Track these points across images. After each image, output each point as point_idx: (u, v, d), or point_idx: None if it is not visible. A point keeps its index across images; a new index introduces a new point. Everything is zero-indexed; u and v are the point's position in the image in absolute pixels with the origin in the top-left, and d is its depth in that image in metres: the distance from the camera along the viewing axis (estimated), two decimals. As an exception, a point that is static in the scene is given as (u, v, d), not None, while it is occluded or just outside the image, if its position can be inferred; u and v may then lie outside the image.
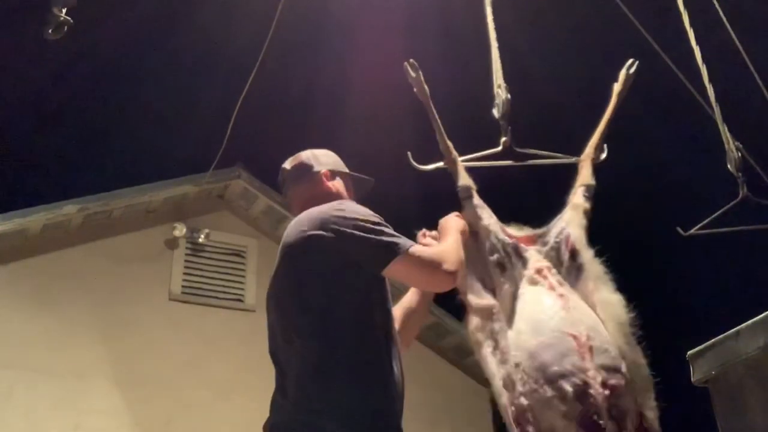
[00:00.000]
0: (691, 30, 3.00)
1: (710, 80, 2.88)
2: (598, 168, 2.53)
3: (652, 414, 2.14)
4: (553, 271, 2.35)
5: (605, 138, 2.62)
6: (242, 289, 6.72)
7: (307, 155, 2.42)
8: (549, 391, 2.07)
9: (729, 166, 2.74)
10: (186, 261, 6.63)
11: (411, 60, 2.39)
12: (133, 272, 6.35)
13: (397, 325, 2.17)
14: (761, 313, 3.25)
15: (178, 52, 8.78)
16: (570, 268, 2.36)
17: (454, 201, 2.45)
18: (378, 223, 2.05)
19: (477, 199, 2.38)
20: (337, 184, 2.36)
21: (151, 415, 5.86)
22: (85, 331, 5.94)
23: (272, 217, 7.09)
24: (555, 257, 2.39)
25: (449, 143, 2.43)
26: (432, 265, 2.02)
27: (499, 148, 2.59)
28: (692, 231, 2.76)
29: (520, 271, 2.33)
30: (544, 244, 2.43)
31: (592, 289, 2.31)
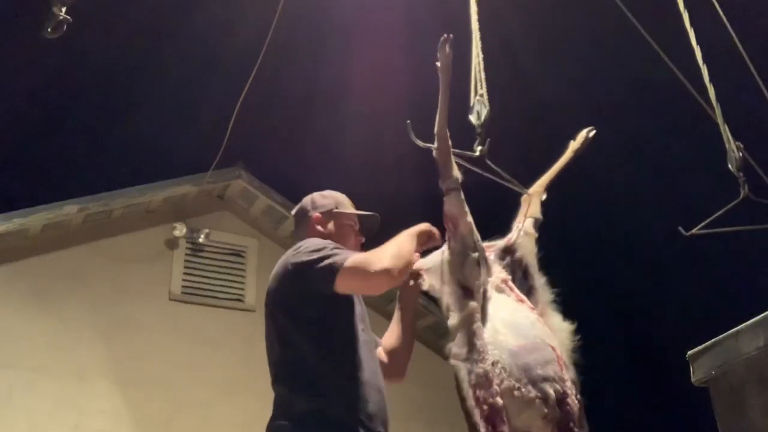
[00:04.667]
0: (692, 30, 2.99)
1: (710, 80, 2.88)
2: (597, 167, 2.54)
3: None
4: (514, 285, 2.44)
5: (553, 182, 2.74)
6: (242, 289, 6.72)
7: (306, 201, 2.60)
8: (533, 392, 2.09)
9: (730, 165, 2.74)
10: (186, 261, 6.63)
11: (450, 35, 2.34)
12: (133, 272, 6.35)
13: (384, 358, 2.45)
14: (761, 313, 3.26)
15: (178, 53, 8.79)
16: (521, 288, 2.45)
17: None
18: (321, 249, 2.22)
19: (462, 194, 2.37)
20: (330, 226, 2.51)
21: (151, 415, 5.86)
22: (85, 331, 5.94)
23: (272, 217, 7.09)
24: (510, 273, 2.49)
25: (447, 131, 2.38)
26: (363, 272, 2.14)
27: (476, 154, 2.56)
28: (693, 231, 2.75)
29: (486, 276, 2.34)
30: (497, 257, 2.51)
31: (542, 312, 2.39)
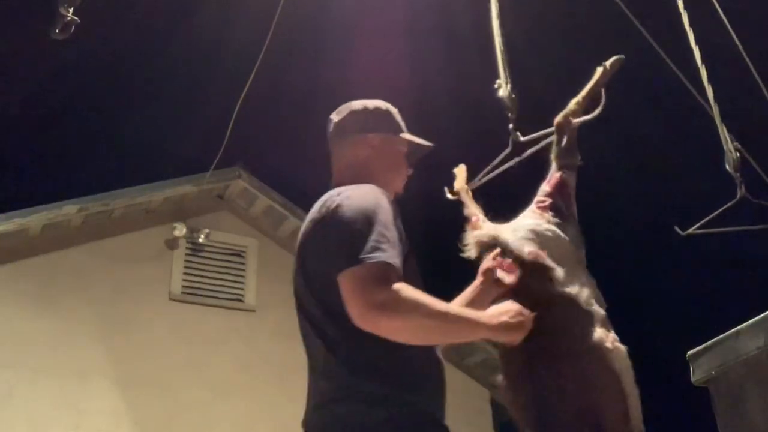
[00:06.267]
0: (691, 30, 3.00)
1: (709, 80, 2.89)
2: (596, 166, 2.53)
3: None
4: None
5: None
6: (242, 289, 6.72)
7: (358, 111, 2.11)
8: None
9: (727, 166, 2.74)
10: (186, 261, 6.63)
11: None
12: (133, 272, 6.35)
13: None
14: (761, 313, 3.26)
15: (179, 53, 8.79)
16: None
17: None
18: (372, 219, 1.75)
19: None
20: (383, 154, 2.05)
21: (151, 415, 5.86)
22: (86, 330, 5.95)
23: (272, 217, 7.09)
24: None
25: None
26: (376, 292, 1.63)
27: (509, 149, 2.57)
28: (690, 230, 2.76)
29: None
30: None
31: None
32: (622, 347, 2.07)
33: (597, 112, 2.45)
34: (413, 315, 1.65)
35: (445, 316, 1.72)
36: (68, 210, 6.06)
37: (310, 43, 8.29)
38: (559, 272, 2.08)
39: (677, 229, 2.78)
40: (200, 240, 6.65)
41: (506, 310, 1.84)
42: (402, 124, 2.13)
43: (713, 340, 3.50)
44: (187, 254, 6.66)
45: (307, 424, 1.81)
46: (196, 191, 6.78)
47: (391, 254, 1.69)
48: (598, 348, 2.04)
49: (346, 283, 1.67)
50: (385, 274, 1.66)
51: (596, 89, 2.51)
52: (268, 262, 6.90)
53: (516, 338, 1.85)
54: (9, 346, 5.67)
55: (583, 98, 2.50)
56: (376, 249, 1.68)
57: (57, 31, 2.89)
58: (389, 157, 2.07)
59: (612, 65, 2.52)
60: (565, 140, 2.39)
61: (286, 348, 6.62)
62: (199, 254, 6.72)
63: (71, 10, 2.87)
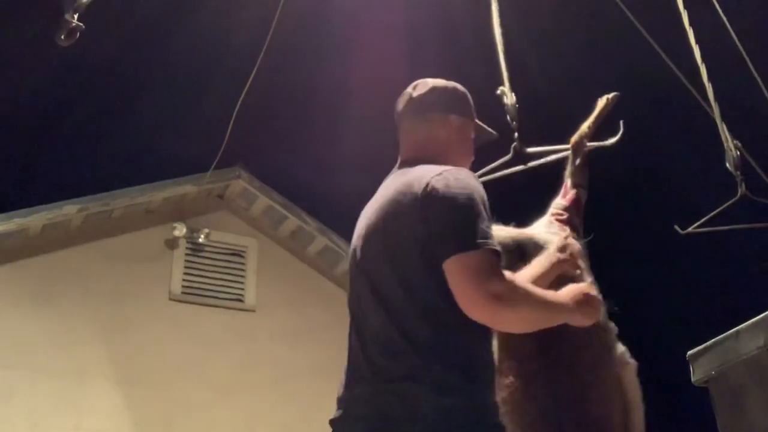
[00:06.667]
0: (691, 29, 3.00)
1: (709, 79, 2.88)
2: (595, 165, 2.58)
3: None
4: None
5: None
6: (242, 289, 6.72)
7: (440, 89, 2.05)
8: None
9: (728, 164, 2.74)
10: (186, 261, 6.63)
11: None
12: (133, 272, 6.35)
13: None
14: (761, 313, 3.25)
15: (178, 53, 8.79)
16: None
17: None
18: (477, 201, 1.73)
19: None
20: (460, 136, 2.03)
21: (151, 415, 5.86)
22: (85, 331, 5.95)
23: (272, 217, 7.09)
24: None
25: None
26: (488, 278, 1.63)
27: (509, 156, 2.61)
28: (690, 229, 2.76)
29: None
30: None
31: None
32: (634, 363, 2.16)
33: (615, 140, 2.58)
34: (524, 307, 1.68)
35: (548, 306, 1.76)
36: (68, 210, 6.06)
37: (310, 43, 8.29)
38: (588, 279, 2.14)
39: (677, 227, 2.78)
40: (200, 240, 6.65)
41: (584, 290, 1.88)
42: (474, 110, 2.11)
43: (713, 340, 3.50)
44: (187, 254, 6.66)
45: (352, 400, 1.73)
46: (196, 191, 6.78)
47: (496, 242, 1.70)
48: (616, 362, 2.12)
49: (459, 269, 1.64)
50: (497, 263, 1.66)
51: (601, 118, 2.63)
52: (268, 262, 6.90)
53: (596, 320, 1.89)
54: (9, 346, 5.67)
55: (593, 123, 2.61)
56: (486, 236, 1.68)
57: (62, 37, 2.89)
58: (464, 142, 2.05)
59: (612, 99, 2.65)
60: (579, 160, 2.49)
61: (286, 348, 6.65)
62: (199, 254, 6.72)
63: (76, 16, 2.87)
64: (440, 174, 1.79)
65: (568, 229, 2.29)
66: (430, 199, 1.74)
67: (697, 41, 2.95)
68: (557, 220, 2.34)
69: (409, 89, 2.09)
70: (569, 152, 2.55)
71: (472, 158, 2.11)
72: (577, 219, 2.37)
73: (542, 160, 2.72)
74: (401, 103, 2.08)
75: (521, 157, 2.70)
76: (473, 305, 1.63)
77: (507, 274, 1.68)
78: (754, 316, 3.30)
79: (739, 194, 2.69)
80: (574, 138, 2.54)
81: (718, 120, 2.81)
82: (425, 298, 1.69)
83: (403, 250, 1.75)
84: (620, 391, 2.09)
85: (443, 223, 1.71)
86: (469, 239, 1.66)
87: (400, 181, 1.85)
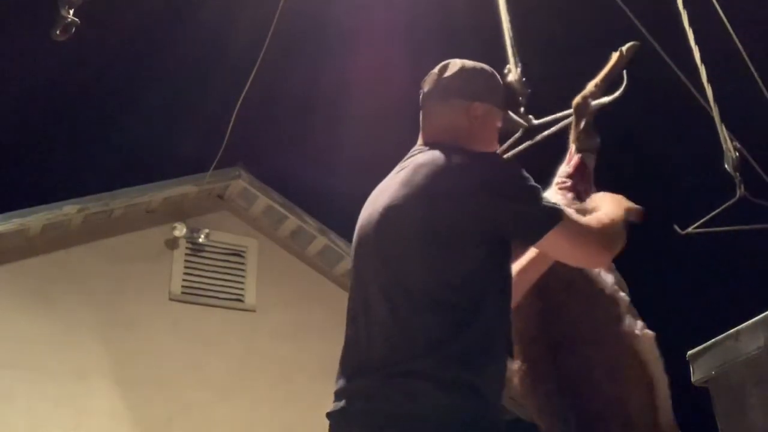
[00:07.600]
0: (690, 30, 3.00)
1: (709, 80, 2.88)
2: (595, 165, 2.48)
3: None
4: None
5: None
6: (242, 289, 6.72)
7: (466, 73, 1.96)
8: None
9: (726, 165, 2.74)
10: (186, 261, 6.63)
11: None
12: (133, 272, 6.35)
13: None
14: (761, 313, 3.25)
15: (178, 52, 8.80)
16: None
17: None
18: (525, 177, 1.75)
19: None
20: (483, 125, 1.94)
21: (151, 415, 5.87)
22: (85, 331, 5.95)
23: (272, 217, 7.09)
24: None
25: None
26: (585, 234, 1.75)
27: (519, 133, 2.52)
28: (689, 230, 2.75)
29: None
30: None
31: None
32: (651, 333, 2.03)
33: (617, 94, 2.41)
34: (614, 225, 1.85)
35: (618, 212, 1.93)
36: (68, 210, 6.06)
37: (309, 43, 8.30)
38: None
39: (677, 228, 2.78)
40: (200, 240, 6.66)
41: (616, 196, 2.03)
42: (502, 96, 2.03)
43: (713, 340, 3.50)
44: (187, 254, 6.66)
45: (353, 393, 1.68)
46: (196, 191, 6.79)
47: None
48: (626, 335, 1.99)
49: (559, 239, 1.70)
50: (574, 213, 1.77)
51: (612, 74, 2.45)
52: (268, 262, 6.91)
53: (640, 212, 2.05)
54: (9, 346, 5.67)
55: (601, 81, 2.44)
56: (551, 202, 1.75)
57: (57, 32, 2.89)
58: (487, 131, 1.96)
59: (628, 51, 2.47)
60: (583, 122, 2.34)
61: (286, 348, 6.65)
62: (199, 254, 6.72)
63: (72, 12, 2.87)
64: (468, 162, 1.75)
65: (569, 196, 2.18)
66: (469, 187, 1.69)
67: (697, 42, 2.95)
68: (561, 188, 2.23)
69: (437, 69, 2.00)
70: (572, 116, 2.42)
71: (495, 148, 2.04)
72: (582, 185, 2.24)
73: (550, 130, 2.60)
74: (427, 84, 2.00)
75: (530, 133, 2.61)
76: (596, 258, 1.84)
77: (587, 218, 1.81)
78: (754, 316, 3.30)
79: (737, 196, 2.69)
80: (576, 99, 2.41)
81: (717, 121, 2.81)
82: (430, 292, 1.66)
83: (409, 242, 1.70)
84: (639, 367, 1.95)
85: (515, 208, 1.71)
86: (547, 212, 1.71)
87: (415, 168, 1.77)
